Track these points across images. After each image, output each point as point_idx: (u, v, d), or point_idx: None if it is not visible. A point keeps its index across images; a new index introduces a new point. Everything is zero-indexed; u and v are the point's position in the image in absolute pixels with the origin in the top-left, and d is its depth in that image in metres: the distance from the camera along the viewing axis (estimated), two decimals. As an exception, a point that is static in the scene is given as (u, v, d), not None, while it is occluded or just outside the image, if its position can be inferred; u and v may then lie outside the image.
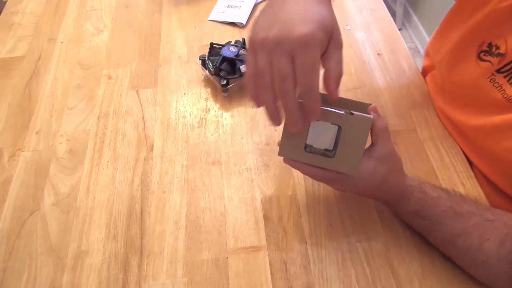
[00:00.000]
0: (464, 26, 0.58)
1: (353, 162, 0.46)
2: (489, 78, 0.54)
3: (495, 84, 0.54)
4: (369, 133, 0.47)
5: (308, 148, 0.47)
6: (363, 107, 0.49)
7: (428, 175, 0.61)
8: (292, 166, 0.50)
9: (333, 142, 0.46)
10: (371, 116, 0.46)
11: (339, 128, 0.46)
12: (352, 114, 0.45)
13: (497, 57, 0.53)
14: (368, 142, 0.47)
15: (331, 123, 0.46)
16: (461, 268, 0.51)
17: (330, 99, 0.43)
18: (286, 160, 0.49)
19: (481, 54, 0.55)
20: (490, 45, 0.54)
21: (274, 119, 0.44)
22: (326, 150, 0.47)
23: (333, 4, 0.46)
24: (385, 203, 0.55)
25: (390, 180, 0.49)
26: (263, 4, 0.90)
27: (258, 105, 0.44)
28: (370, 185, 0.49)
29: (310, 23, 0.39)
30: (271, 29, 0.40)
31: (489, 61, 0.54)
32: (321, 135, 0.46)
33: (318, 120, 0.45)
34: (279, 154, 0.48)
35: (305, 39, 0.39)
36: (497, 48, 0.53)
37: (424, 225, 0.52)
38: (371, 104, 0.50)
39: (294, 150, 0.48)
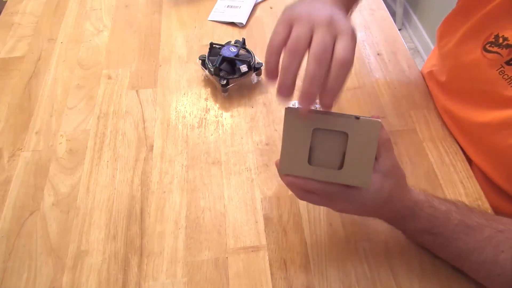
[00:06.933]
0: (471, 18, 0.57)
1: (364, 173, 0.41)
2: (498, 70, 0.54)
3: (504, 76, 0.53)
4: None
5: (312, 160, 0.42)
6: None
7: (428, 175, 0.61)
8: (293, 185, 0.44)
9: (341, 154, 0.41)
10: (379, 120, 0.40)
11: (345, 136, 0.40)
12: (358, 118, 0.40)
13: (506, 48, 0.52)
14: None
15: (337, 130, 0.40)
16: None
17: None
18: (286, 179, 0.44)
19: (487, 45, 0.55)
20: (497, 36, 0.54)
21: (287, 90, 0.40)
22: (333, 162, 0.41)
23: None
24: (389, 222, 0.51)
25: (395, 196, 0.46)
26: (263, 4, 0.90)
27: (275, 75, 0.40)
28: (377, 202, 0.45)
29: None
30: (317, 12, 0.40)
31: (497, 52, 0.54)
32: (327, 145, 0.41)
33: (321, 129, 0.41)
34: (281, 171, 0.43)
35: (353, 29, 0.40)
36: (505, 39, 0.53)
37: (436, 242, 0.49)
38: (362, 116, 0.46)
39: (296, 164, 0.42)
